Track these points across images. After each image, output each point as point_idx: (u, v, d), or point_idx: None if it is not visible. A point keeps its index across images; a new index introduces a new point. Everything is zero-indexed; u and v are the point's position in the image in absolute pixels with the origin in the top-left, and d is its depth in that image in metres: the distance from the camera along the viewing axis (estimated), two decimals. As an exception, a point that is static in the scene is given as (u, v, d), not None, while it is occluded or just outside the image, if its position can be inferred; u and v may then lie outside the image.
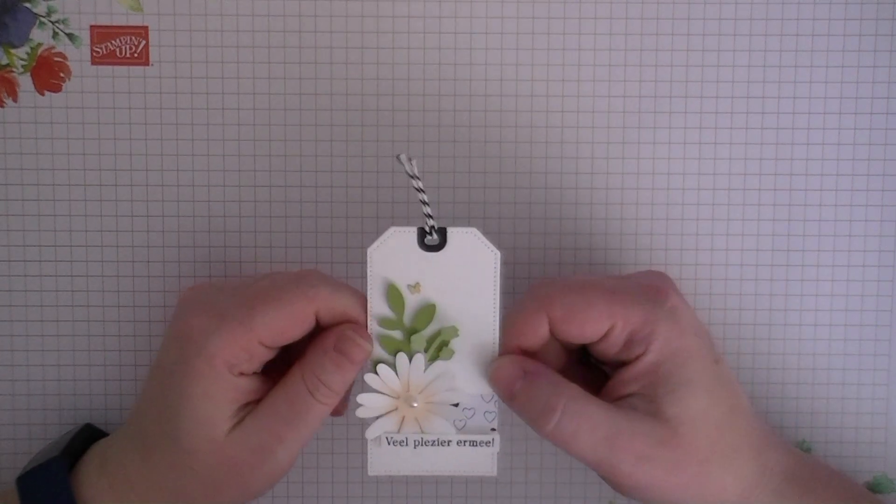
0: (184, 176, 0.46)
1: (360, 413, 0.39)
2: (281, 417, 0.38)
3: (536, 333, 0.39)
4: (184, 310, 0.40)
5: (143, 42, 0.46)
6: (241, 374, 0.39)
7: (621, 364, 0.40)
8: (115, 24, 0.46)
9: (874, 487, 0.48)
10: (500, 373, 0.39)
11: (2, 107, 0.46)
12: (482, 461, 0.40)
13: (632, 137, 0.46)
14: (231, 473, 0.39)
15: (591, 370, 0.42)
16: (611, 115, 0.46)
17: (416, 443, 0.40)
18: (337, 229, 0.47)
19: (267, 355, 0.39)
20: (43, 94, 0.46)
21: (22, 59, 0.46)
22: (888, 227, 0.47)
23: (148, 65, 0.46)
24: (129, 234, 0.47)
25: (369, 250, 0.39)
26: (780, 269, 0.47)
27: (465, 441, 0.40)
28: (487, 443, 0.40)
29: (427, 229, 0.39)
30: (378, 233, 0.46)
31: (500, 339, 0.39)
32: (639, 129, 0.46)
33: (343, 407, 0.41)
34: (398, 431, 0.40)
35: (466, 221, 0.47)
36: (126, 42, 0.46)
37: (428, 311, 0.39)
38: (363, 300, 0.39)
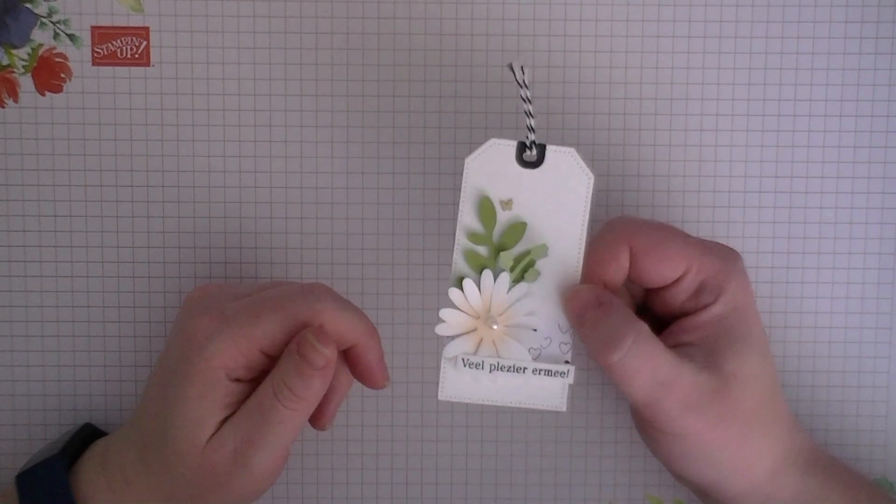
0: (184, 177, 0.46)
1: (440, 330, 0.38)
2: (252, 422, 0.38)
3: (618, 264, 0.39)
4: (189, 310, 0.40)
5: (144, 43, 0.46)
6: (238, 380, 0.39)
7: (684, 315, 0.40)
8: (115, 24, 0.46)
9: (873, 490, 0.48)
10: (575, 297, 0.38)
11: (3, 107, 0.46)
12: (554, 394, 0.39)
13: (632, 139, 0.46)
14: (212, 479, 0.39)
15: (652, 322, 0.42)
16: (612, 116, 0.46)
17: (492, 367, 0.39)
18: (337, 230, 0.47)
19: (266, 364, 0.39)
20: (44, 95, 0.46)
21: (23, 60, 0.46)
22: (888, 230, 0.47)
23: (149, 66, 0.46)
24: (130, 234, 0.47)
25: (467, 160, 0.38)
26: (781, 270, 0.47)
27: (539, 370, 0.39)
28: (562, 374, 0.39)
29: (528, 143, 0.38)
30: (379, 234, 0.47)
31: (582, 268, 0.39)
32: (639, 131, 0.46)
33: (325, 421, 0.41)
34: (475, 353, 0.39)
35: (467, 222, 0.47)
36: (127, 43, 0.46)
37: (518, 229, 0.38)
38: (368, 323, 0.39)
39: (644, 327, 0.38)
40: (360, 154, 0.46)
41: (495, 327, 0.38)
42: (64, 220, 0.46)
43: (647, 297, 0.42)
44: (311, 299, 0.39)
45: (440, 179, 0.47)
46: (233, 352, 0.38)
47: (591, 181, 0.38)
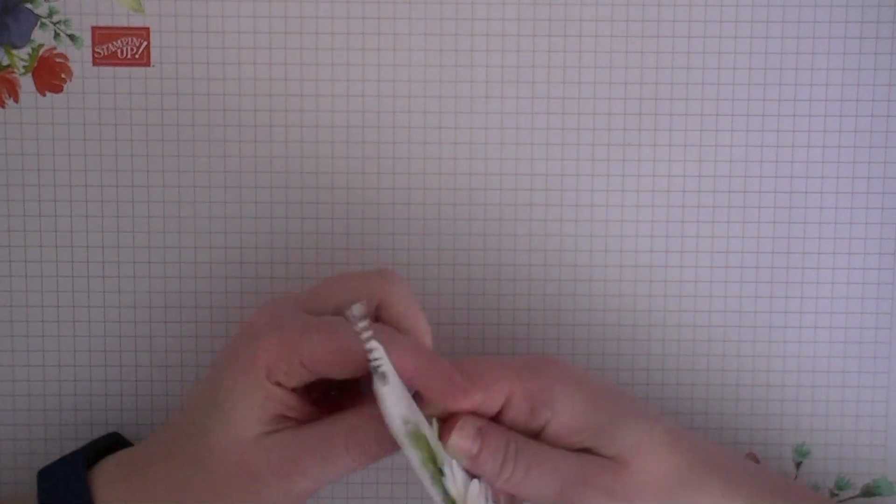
0: (185, 177, 0.46)
1: None
2: (310, 452, 0.38)
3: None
4: (258, 311, 0.41)
5: (145, 43, 0.46)
6: (279, 384, 0.39)
7: (538, 434, 0.40)
8: (116, 25, 0.46)
9: (874, 490, 0.48)
10: (459, 445, 0.38)
11: (3, 107, 0.46)
12: None
13: (632, 139, 0.46)
14: (244, 482, 0.39)
15: None
16: (611, 116, 0.46)
17: None
18: (338, 230, 0.47)
19: (308, 377, 0.39)
20: (44, 95, 0.46)
21: (23, 60, 0.46)
22: (888, 230, 0.47)
23: (149, 66, 0.46)
24: (130, 234, 0.47)
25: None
26: (780, 271, 0.47)
27: None
28: None
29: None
30: (379, 234, 0.47)
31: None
32: (639, 131, 0.46)
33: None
34: None
35: (467, 222, 0.47)
36: (127, 43, 0.46)
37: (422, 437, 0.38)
38: (424, 357, 0.39)
39: (526, 440, 0.39)
40: (361, 154, 0.46)
41: None
42: (65, 220, 0.46)
43: None
44: (367, 333, 0.38)
45: (440, 179, 0.47)
46: (274, 355, 0.38)
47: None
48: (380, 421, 0.38)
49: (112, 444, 0.44)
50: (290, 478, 0.38)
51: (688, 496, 0.39)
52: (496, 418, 0.40)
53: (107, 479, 0.41)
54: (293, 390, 0.39)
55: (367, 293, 0.40)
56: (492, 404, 0.39)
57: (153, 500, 0.40)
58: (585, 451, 0.39)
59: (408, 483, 0.48)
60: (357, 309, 0.36)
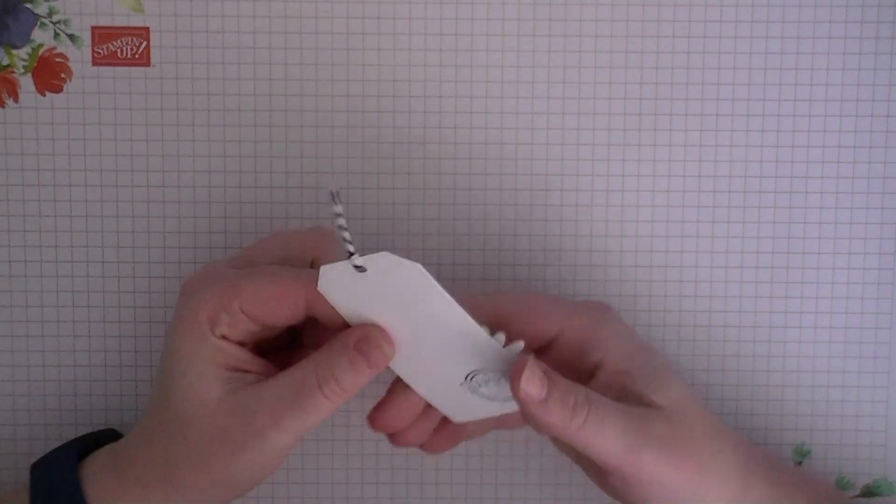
0: (185, 177, 0.46)
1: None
2: (282, 401, 0.38)
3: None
4: (191, 276, 0.41)
5: (144, 43, 0.46)
6: (224, 337, 0.38)
7: (590, 376, 0.40)
8: (116, 25, 0.46)
9: (874, 490, 0.48)
10: (527, 391, 0.37)
11: (3, 107, 0.46)
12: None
13: (632, 139, 0.46)
14: (221, 446, 0.38)
15: None
16: (611, 116, 0.46)
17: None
18: (337, 230, 0.47)
19: (250, 326, 0.39)
20: (44, 95, 0.46)
21: (23, 60, 0.46)
22: (888, 230, 0.47)
23: (149, 66, 0.46)
24: (130, 234, 0.47)
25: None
26: (780, 270, 0.47)
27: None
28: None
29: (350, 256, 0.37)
30: (379, 234, 0.47)
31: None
32: (639, 131, 0.46)
33: (445, 445, 0.41)
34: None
35: (467, 223, 0.47)
36: (127, 43, 0.46)
37: None
38: None
39: (590, 390, 0.38)
40: (360, 154, 0.46)
41: None
42: (64, 220, 0.46)
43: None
44: (300, 272, 0.38)
45: (440, 179, 0.47)
46: (214, 305, 0.38)
47: (419, 270, 0.36)
48: (350, 350, 0.37)
49: (105, 438, 0.44)
50: (266, 434, 0.38)
51: (721, 455, 0.39)
52: (544, 356, 0.39)
53: (97, 470, 0.41)
54: (243, 345, 0.39)
55: (302, 249, 0.40)
56: (542, 336, 0.39)
57: (143, 487, 0.40)
58: (630, 399, 0.39)
59: (408, 483, 0.48)
60: (333, 186, 0.36)
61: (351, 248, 0.36)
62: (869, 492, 0.48)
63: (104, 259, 0.47)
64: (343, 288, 0.37)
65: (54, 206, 0.46)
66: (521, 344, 0.38)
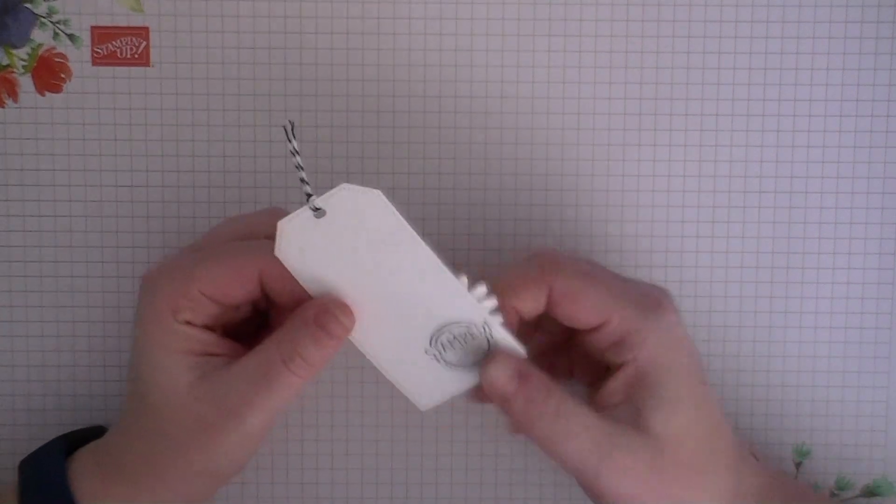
0: (184, 177, 0.46)
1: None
2: (251, 382, 0.38)
3: (534, 302, 0.39)
4: (149, 268, 0.41)
5: (144, 43, 0.46)
6: (189, 323, 0.39)
7: (607, 367, 0.40)
8: (115, 24, 0.46)
9: (874, 490, 0.48)
10: (496, 382, 0.38)
11: (2, 107, 0.46)
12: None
13: (632, 139, 0.46)
14: (198, 433, 0.38)
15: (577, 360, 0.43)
16: (611, 116, 0.46)
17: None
18: (337, 230, 0.47)
19: (212, 308, 0.39)
20: (43, 95, 0.46)
21: (23, 60, 0.46)
22: (888, 230, 0.47)
23: (149, 66, 0.46)
24: (130, 234, 0.47)
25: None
26: (781, 270, 0.47)
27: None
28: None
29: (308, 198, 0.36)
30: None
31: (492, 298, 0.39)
32: (639, 131, 0.46)
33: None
34: None
35: (466, 223, 0.47)
36: (127, 43, 0.46)
37: None
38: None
39: (565, 393, 0.38)
40: (360, 154, 0.46)
41: None
42: (64, 220, 0.46)
43: (573, 333, 0.42)
44: (253, 248, 0.38)
45: (440, 179, 0.47)
46: (174, 293, 0.38)
47: (379, 195, 0.36)
48: (309, 323, 0.38)
49: (92, 434, 0.44)
50: (241, 416, 0.38)
51: (706, 494, 0.39)
52: (583, 334, 0.39)
53: (84, 466, 0.41)
54: (208, 328, 0.39)
55: (256, 229, 0.40)
56: (585, 324, 0.39)
57: (130, 482, 0.40)
58: (630, 409, 0.39)
59: (408, 483, 0.48)
60: (288, 120, 0.35)
61: (308, 190, 0.35)
62: (869, 492, 0.48)
63: (104, 259, 0.47)
64: (302, 247, 0.36)
65: (54, 206, 0.46)
66: (493, 302, 0.38)
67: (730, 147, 0.46)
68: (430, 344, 0.39)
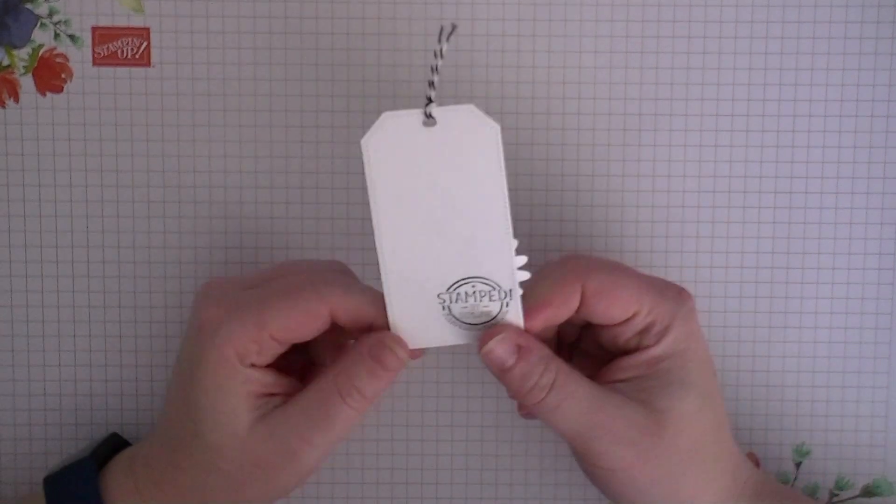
0: (184, 177, 0.46)
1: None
2: (310, 420, 0.38)
3: (567, 306, 0.39)
4: (199, 304, 0.40)
5: (145, 43, 0.46)
6: (253, 365, 0.38)
7: (625, 353, 0.40)
8: (116, 25, 0.46)
9: (873, 490, 0.48)
10: (494, 353, 0.38)
11: (3, 107, 0.46)
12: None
13: (632, 139, 0.46)
14: (256, 472, 0.38)
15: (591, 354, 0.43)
16: (612, 117, 0.46)
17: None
18: (338, 230, 0.47)
19: (278, 349, 0.39)
20: (44, 95, 0.46)
21: (23, 60, 0.46)
22: (888, 230, 0.47)
23: (149, 66, 0.46)
24: (130, 234, 0.47)
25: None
26: (781, 271, 0.47)
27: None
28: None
29: (428, 102, 0.35)
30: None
31: (522, 308, 0.38)
32: (639, 132, 0.46)
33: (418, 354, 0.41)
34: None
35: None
36: (127, 43, 0.46)
37: None
38: (379, 300, 0.38)
39: (564, 364, 0.39)
40: (361, 154, 0.46)
41: None
42: (65, 220, 0.46)
43: (588, 328, 0.42)
44: (319, 284, 0.38)
45: (440, 179, 0.47)
46: (242, 339, 0.38)
47: (498, 131, 0.35)
48: (365, 357, 0.38)
49: (112, 448, 0.43)
50: (299, 454, 0.38)
51: (703, 477, 0.40)
52: (611, 326, 0.40)
53: (118, 489, 0.41)
54: (269, 366, 0.39)
55: (309, 307, 0.39)
56: (615, 319, 0.39)
57: None
58: (634, 385, 0.39)
59: (408, 483, 0.48)
60: (451, 27, 0.34)
61: (432, 95, 0.34)
62: (869, 492, 0.48)
63: (104, 259, 0.47)
64: (392, 145, 0.35)
65: (54, 206, 0.46)
66: (525, 275, 0.38)
67: (730, 147, 0.46)
68: (447, 290, 0.38)
